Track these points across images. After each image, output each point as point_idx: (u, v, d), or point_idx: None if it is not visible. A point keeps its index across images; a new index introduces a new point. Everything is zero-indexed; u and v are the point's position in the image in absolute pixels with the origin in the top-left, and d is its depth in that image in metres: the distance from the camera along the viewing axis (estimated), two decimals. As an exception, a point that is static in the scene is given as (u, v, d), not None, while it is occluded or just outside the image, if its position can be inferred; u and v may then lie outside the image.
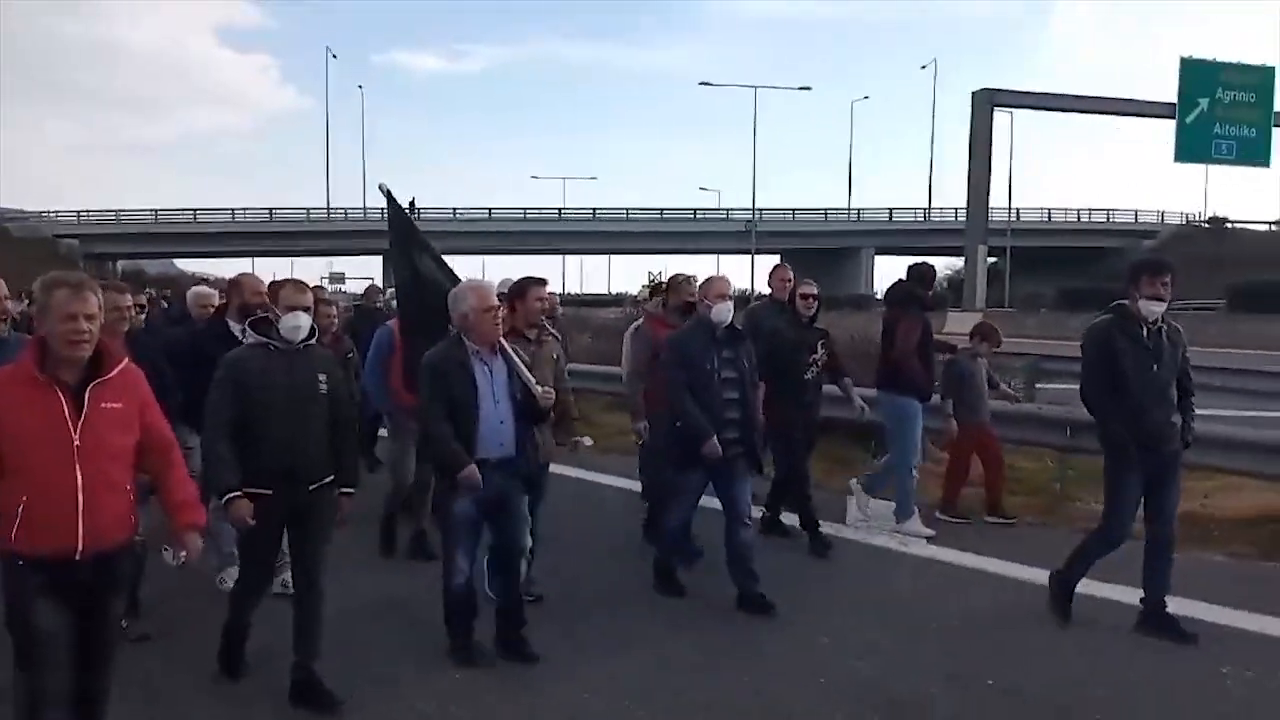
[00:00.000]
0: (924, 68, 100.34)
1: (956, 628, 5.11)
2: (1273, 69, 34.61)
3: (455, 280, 5.42)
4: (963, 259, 59.22)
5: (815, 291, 6.89)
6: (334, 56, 68.89)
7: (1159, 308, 4.97)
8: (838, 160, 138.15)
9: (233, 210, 57.75)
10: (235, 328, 5.36)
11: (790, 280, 7.23)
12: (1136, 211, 63.93)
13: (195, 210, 57.50)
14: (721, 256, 62.00)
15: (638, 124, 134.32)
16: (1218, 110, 34.17)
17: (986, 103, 33.14)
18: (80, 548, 3.09)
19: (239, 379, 4.12)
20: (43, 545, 3.07)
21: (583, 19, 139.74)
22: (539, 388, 4.58)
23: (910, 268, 7.51)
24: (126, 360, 3.28)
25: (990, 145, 33.14)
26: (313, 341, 4.30)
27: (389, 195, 5.98)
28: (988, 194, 34.01)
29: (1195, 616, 5.10)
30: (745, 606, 5.35)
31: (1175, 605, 5.04)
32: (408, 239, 5.88)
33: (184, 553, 3.37)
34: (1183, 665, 4.63)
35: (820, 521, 6.56)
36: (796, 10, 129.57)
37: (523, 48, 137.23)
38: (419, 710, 4.10)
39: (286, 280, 4.56)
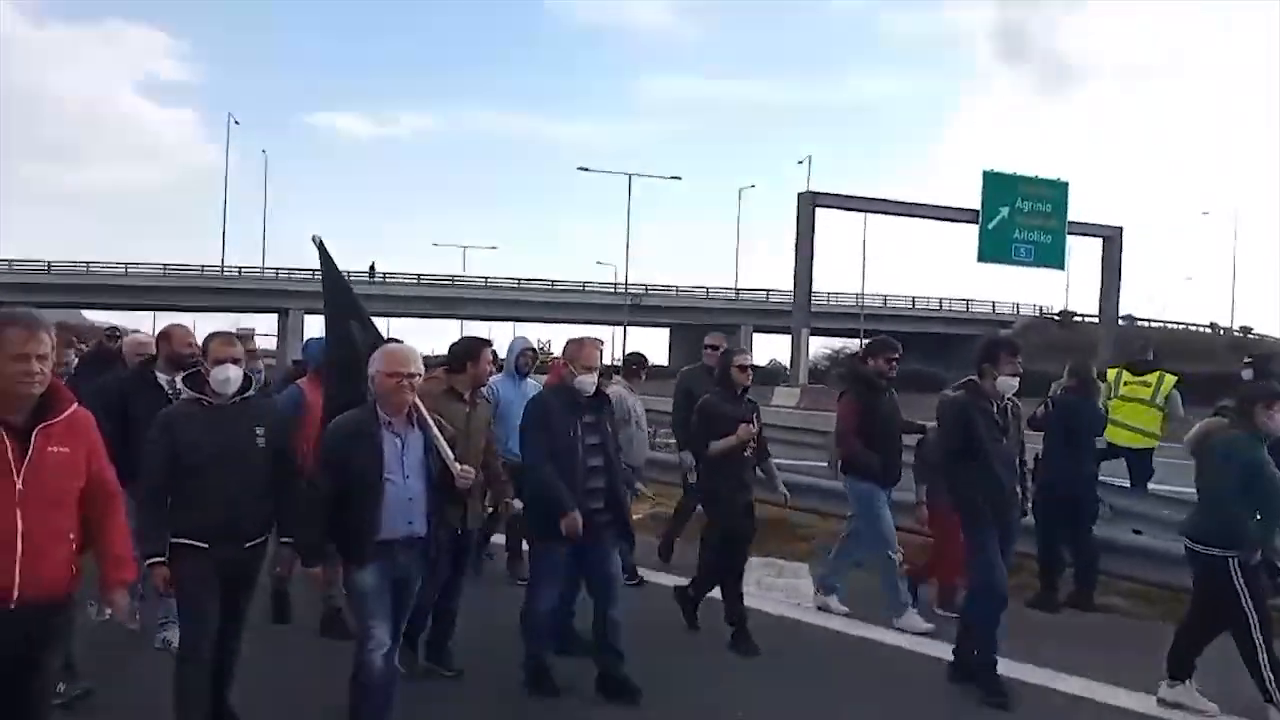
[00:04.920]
0: (800, 163, 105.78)
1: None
2: (1066, 184, 38.72)
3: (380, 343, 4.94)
4: (842, 339, 63.25)
5: (753, 363, 6.54)
6: (236, 123, 71.50)
7: (1015, 383, 5.44)
8: (729, 242, 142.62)
9: (125, 265, 59.10)
10: (163, 378, 5.32)
11: (719, 347, 7.19)
12: (994, 303, 68.66)
13: (89, 263, 58.78)
14: (614, 328, 65.12)
15: (546, 198, 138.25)
16: (1018, 218, 38.16)
17: (809, 203, 36.94)
18: (15, 596, 2.98)
19: (174, 437, 4.09)
20: None
21: (511, 92, 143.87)
22: (458, 466, 4.29)
23: (868, 344, 7.18)
24: (76, 404, 3.20)
25: (812, 240, 36.76)
26: (250, 393, 4.28)
27: (321, 247, 5.25)
28: (810, 282, 37.56)
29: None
30: (606, 688, 5.08)
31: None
32: (342, 299, 5.33)
33: (109, 610, 3.27)
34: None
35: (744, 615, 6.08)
36: (715, 92, 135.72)
37: (448, 117, 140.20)
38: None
39: (215, 333, 4.44)
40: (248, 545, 4.18)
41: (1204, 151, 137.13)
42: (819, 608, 6.88)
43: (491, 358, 5.51)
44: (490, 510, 5.64)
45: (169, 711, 4.14)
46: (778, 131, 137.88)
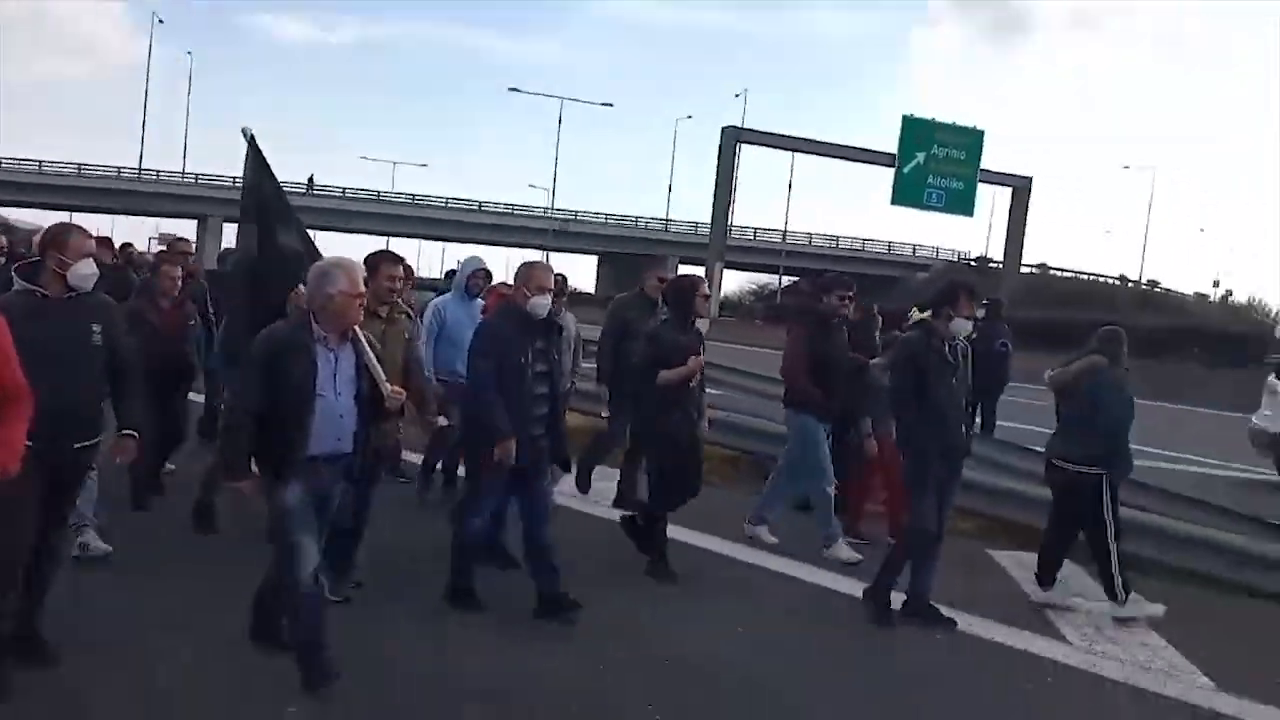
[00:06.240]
0: (737, 96, 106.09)
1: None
2: (981, 132, 40.08)
3: (317, 256, 4.86)
4: (760, 273, 64.31)
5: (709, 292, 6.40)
6: (160, 21, 68.59)
7: (968, 326, 5.60)
8: (663, 172, 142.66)
9: (39, 162, 57.38)
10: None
11: (665, 280, 7.11)
12: (914, 246, 70.16)
13: (0, 159, 56.92)
14: (540, 253, 64.83)
15: (479, 117, 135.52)
16: (932, 164, 39.37)
17: (733, 139, 37.56)
18: None
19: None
20: None
21: (455, 4, 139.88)
22: (388, 386, 4.30)
23: (821, 280, 7.20)
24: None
25: (733, 175, 37.54)
26: (88, 290, 4.08)
27: (252, 141, 5.09)
28: (727, 217, 38.38)
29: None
30: (546, 607, 5.09)
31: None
32: (267, 201, 5.24)
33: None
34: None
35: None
36: (668, 18, 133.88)
37: (389, 27, 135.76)
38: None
39: (73, 226, 4.28)
40: (77, 447, 4.02)
41: (1131, 109, 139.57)
42: (749, 538, 6.82)
43: (402, 274, 5.44)
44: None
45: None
46: (720, 63, 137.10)
